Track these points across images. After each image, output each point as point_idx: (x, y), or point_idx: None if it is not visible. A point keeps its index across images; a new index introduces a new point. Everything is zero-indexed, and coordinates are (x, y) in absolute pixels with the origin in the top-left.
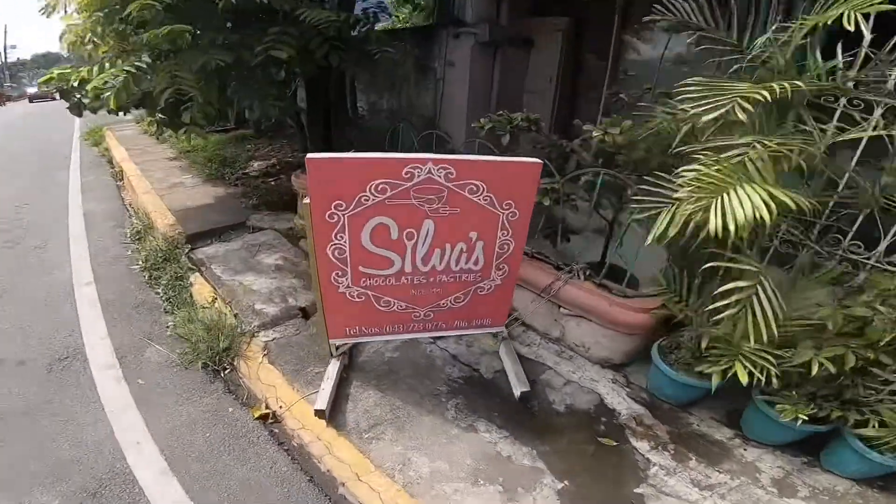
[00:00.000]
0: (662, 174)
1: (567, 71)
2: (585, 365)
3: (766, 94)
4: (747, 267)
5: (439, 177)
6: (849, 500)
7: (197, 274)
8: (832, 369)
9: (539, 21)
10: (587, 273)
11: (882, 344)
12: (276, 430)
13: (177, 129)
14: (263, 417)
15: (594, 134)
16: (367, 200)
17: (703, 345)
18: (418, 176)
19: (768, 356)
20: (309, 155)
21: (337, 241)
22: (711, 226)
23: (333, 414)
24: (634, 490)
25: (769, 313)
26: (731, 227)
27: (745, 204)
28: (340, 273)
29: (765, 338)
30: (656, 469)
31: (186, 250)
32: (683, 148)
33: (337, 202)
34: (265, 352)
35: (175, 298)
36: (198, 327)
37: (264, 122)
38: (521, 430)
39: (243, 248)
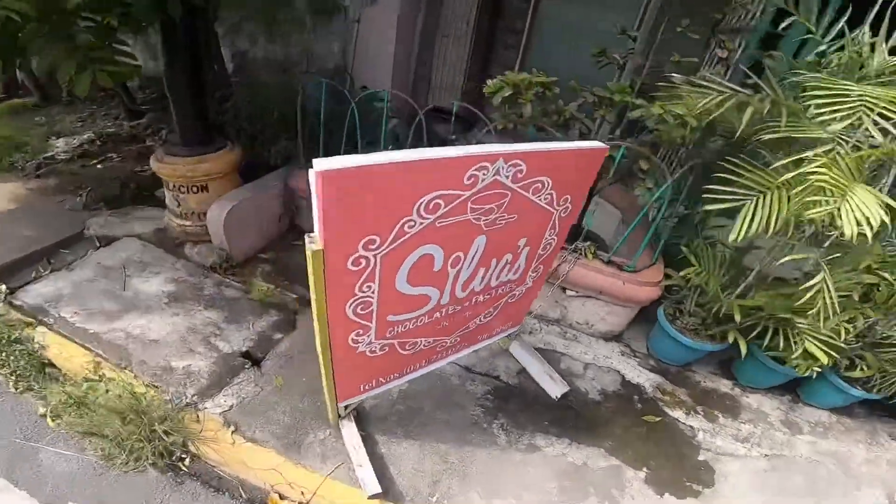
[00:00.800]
0: (733, 160)
1: (484, 13)
2: (591, 342)
3: None
4: (813, 256)
5: (506, 177)
6: (834, 429)
7: (42, 329)
8: (852, 331)
9: None
10: (593, 251)
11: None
12: None
13: None
14: None
15: (652, 111)
16: (412, 227)
17: (738, 318)
18: (483, 180)
19: (828, 332)
20: (318, 164)
21: (362, 294)
22: (847, 232)
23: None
24: (698, 458)
25: (833, 294)
26: (869, 234)
27: (871, 207)
28: (362, 332)
29: (831, 315)
30: (702, 434)
31: (3, 296)
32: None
33: (368, 239)
34: (231, 428)
35: (25, 373)
36: (104, 415)
37: (85, 92)
38: (577, 431)
39: (101, 276)
